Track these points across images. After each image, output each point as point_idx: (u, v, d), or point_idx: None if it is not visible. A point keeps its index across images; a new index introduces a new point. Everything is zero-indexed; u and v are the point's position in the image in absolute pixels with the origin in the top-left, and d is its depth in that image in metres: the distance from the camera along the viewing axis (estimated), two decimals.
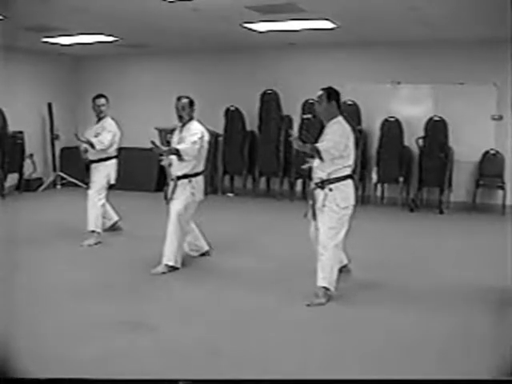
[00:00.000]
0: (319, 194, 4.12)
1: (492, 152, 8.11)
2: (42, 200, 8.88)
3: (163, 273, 4.74)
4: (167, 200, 4.95)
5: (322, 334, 3.60)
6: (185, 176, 4.84)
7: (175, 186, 4.86)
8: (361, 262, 5.21)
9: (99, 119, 5.86)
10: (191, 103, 4.94)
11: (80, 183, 8.67)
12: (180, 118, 4.92)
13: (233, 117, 9.22)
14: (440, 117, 8.04)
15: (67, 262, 5.15)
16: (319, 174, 4.13)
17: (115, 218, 6.20)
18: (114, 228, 6.20)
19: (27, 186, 9.34)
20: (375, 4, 5.94)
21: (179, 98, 4.94)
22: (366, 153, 8.68)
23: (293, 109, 8.72)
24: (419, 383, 2.89)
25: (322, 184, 4.09)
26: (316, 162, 4.15)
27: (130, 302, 4.12)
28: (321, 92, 4.17)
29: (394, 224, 7.31)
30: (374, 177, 8.47)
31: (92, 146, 5.64)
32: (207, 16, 6.55)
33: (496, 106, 8.05)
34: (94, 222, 5.71)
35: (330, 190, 4.07)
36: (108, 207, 6.09)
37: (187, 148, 4.71)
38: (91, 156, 5.78)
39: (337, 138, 4.03)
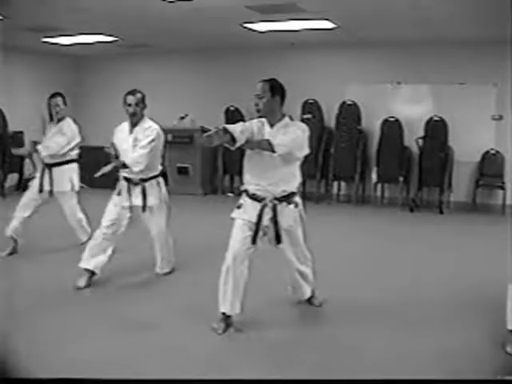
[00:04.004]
0: (283, 211, 3.55)
1: (492, 152, 8.11)
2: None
3: (165, 273, 4.74)
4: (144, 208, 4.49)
5: (320, 335, 3.61)
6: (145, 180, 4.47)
7: (143, 188, 4.44)
8: (361, 263, 5.23)
9: (58, 120, 5.35)
10: (144, 98, 4.43)
11: (81, 184, 8.65)
12: (133, 115, 4.37)
13: (233, 116, 9.21)
14: (440, 117, 8.04)
15: (67, 261, 5.15)
16: (273, 188, 3.50)
17: None
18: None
19: (27, 186, 9.30)
20: (375, 4, 5.94)
21: (133, 92, 4.38)
22: (366, 153, 8.68)
23: (293, 109, 8.70)
24: (419, 383, 2.89)
25: (288, 198, 3.57)
26: (262, 172, 3.48)
27: (130, 301, 4.12)
28: (262, 84, 3.53)
29: (393, 224, 7.30)
30: (374, 177, 8.47)
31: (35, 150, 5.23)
32: (207, 16, 6.55)
33: (496, 106, 8.05)
34: (80, 230, 5.48)
35: (296, 205, 3.61)
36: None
37: (136, 158, 4.28)
38: (48, 160, 5.34)
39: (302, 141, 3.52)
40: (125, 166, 4.29)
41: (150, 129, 4.42)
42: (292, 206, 3.58)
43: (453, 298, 4.25)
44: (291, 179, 3.57)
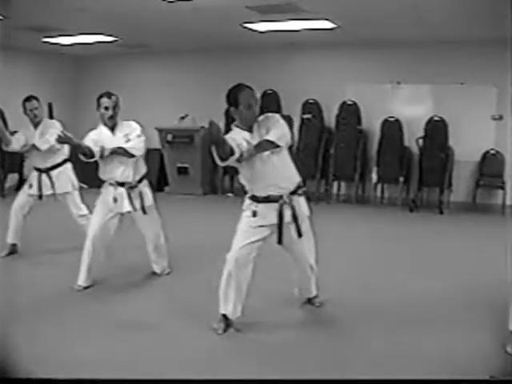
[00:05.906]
0: (299, 202, 3.57)
1: (492, 152, 8.11)
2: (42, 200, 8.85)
3: (164, 274, 4.74)
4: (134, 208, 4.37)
5: (321, 334, 3.61)
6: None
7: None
8: (361, 263, 5.23)
9: (36, 124, 5.26)
10: (119, 100, 4.35)
11: (80, 183, 8.65)
12: (110, 118, 4.27)
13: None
14: (440, 117, 8.04)
15: (66, 262, 5.15)
16: (286, 184, 3.50)
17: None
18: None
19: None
20: (375, 4, 5.94)
21: (108, 95, 4.27)
22: (366, 153, 8.69)
23: (293, 109, 8.71)
24: (419, 383, 2.89)
25: (299, 189, 3.58)
26: (271, 172, 3.46)
27: (129, 301, 4.12)
28: (251, 92, 3.61)
29: (393, 224, 7.30)
30: (374, 177, 8.47)
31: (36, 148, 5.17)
32: (207, 16, 6.55)
33: (496, 106, 8.05)
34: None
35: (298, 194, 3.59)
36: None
37: (135, 144, 4.26)
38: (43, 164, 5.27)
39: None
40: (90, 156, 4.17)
41: (134, 125, 4.38)
42: (303, 196, 3.59)
43: (453, 298, 4.24)
44: (292, 169, 3.56)
